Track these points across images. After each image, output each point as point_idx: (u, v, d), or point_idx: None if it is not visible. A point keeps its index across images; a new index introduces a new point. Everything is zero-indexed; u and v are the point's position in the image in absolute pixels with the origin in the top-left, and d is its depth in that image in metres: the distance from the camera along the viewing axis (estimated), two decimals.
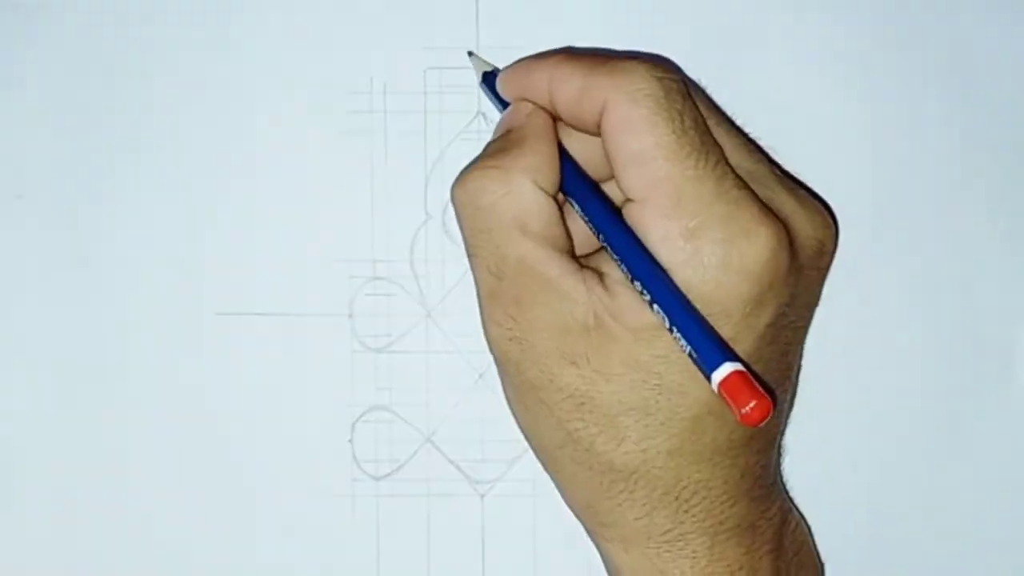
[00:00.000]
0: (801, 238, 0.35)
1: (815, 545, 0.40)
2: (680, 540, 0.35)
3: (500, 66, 0.39)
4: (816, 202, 0.36)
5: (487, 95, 0.39)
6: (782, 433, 0.39)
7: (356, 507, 0.41)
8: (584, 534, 0.38)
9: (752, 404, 0.30)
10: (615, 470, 0.35)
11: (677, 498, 0.35)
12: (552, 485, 0.37)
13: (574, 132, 0.36)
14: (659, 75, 0.34)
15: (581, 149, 0.36)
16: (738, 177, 0.34)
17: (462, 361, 0.41)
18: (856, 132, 0.42)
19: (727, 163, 0.34)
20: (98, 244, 0.41)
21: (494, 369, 0.38)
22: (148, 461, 0.41)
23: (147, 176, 0.41)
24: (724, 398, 0.30)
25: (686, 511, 0.35)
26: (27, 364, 0.41)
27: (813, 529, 0.40)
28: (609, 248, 0.34)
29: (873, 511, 0.42)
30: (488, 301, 0.36)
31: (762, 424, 0.30)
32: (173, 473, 0.41)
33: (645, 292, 0.33)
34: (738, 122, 0.39)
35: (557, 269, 0.34)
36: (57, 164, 0.41)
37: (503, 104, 0.38)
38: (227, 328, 0.41)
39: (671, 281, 0.33)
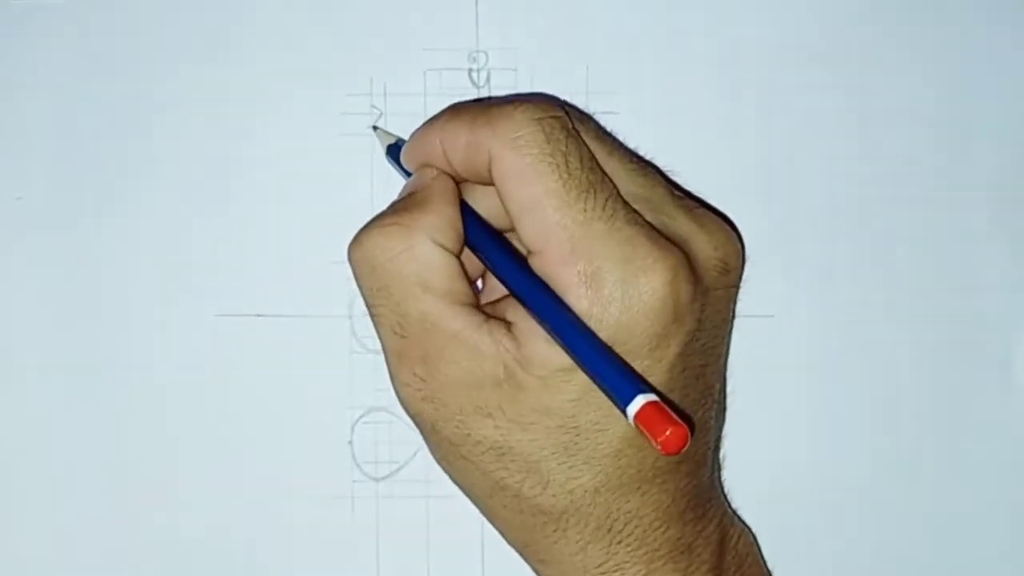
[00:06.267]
0: (702, 260, 0.35)
1: (762, 555, 0.40)
2: (616, 570, 0.36)
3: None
4: (717, 219, 0.36)
5: (394, 168, 0.39)
6: (716, 449, 0.39)
7: (356, 508, 0.41)
8: None
9: (669, 432, 0.30)
10: (544, 512, 0.35)
11: (610, 530, 0.35)
12: None
13: (479, 187, 0.36)
14: (538, 116, 0.34)
15: (489, 204, 0.36)
16: (629, 211, 0.34)
17: None
18: (855, 132, 0.41)
19: (618, 197, 0.34)
20: (98, 245, 0.41)
21: None
22: (148, 462, 0.41)
23: (147, 177, 0.41)
24: (641, 430, 0.30)
25: (619, 542, 0.35)
26: (27, 365, 0.41)
27: (808, 532, 0.41)
28: (515, 295, 0.34)
29: (873, 511, 0.42)
30: (395, 361, 0.36)
31: (682, 451, 0.30)
32: (173, 474, 0.41)
33: (554, 335, 0.33)
34: (733, 122, 0.39)
35: (462, 323, 0.34)
36: (57, 164, 0.41)
37: (409, 176, 0.38)
38: (227, 329, 0.41)
39: (579, 321, 0.33)
